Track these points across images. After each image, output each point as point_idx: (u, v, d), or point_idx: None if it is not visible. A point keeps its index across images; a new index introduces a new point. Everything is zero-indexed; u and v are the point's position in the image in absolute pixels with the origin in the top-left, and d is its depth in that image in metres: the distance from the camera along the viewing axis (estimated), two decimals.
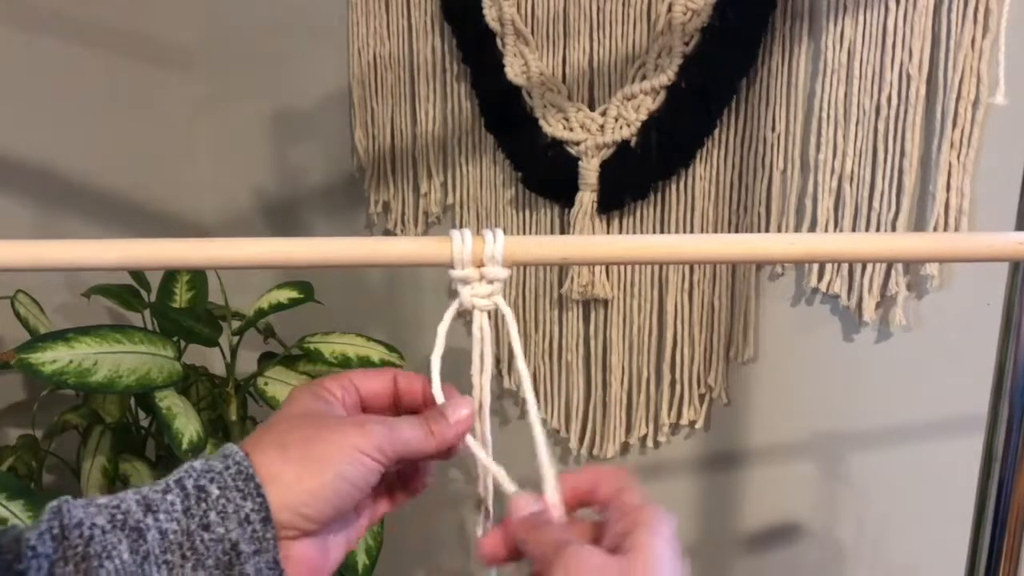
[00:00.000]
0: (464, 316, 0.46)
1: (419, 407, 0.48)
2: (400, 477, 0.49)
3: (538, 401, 1.10)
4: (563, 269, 1.05)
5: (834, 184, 0.89)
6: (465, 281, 0.45)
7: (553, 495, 0.44)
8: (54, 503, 0.38)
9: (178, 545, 0.37)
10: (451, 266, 0.45)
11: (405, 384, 0.48)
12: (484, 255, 0.45)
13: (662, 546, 0.39)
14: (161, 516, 0.38)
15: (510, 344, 1.09)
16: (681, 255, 0.49)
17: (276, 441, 0.41)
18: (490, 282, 0.45)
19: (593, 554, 0.39)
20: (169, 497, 0.38)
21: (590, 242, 0.47)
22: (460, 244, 0.44)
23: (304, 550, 0.41)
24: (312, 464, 0.41)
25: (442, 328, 0.47)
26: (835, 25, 0.85)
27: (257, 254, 0.44)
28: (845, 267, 0.91)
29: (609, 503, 0.43)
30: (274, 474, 0.40)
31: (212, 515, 0.38)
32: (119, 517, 0.37)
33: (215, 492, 0.39)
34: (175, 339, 0.90)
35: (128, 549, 0.36)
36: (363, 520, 0.47)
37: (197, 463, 0.40)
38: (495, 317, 0.46)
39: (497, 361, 1.12)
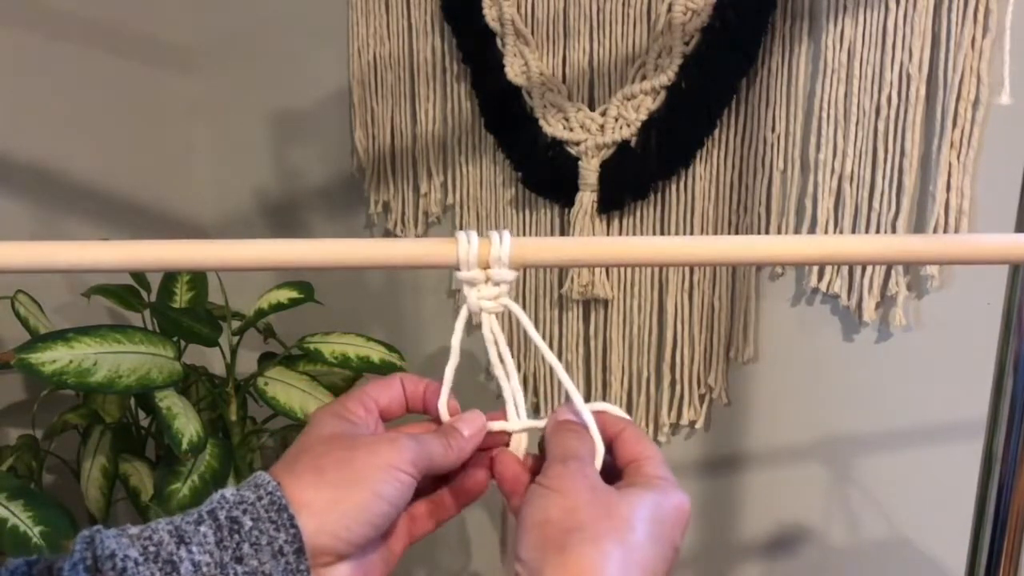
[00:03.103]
0: (468, 318, 0.46)
1: (422, 410, 0.48)
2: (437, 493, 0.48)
3: (537, 401, 1.10)
4: (563, 269, 1.04)
5: (834, 184, 0.89)
6: (471, 283, 0.44)
7: (593, 428, 0.46)
8: (86, 532, 0.37)
9: None
10: (457, 268, 0.44)
11: (411, 388, 0.48)
12: (491, 257, 0.44)
13: (655, 501, 0.43)
14: (194, 548, 0.37)
15: (524, 342, 1.09)
16: (691, 257, 0.48)
17: (311, 465, 0.41)
18: (496, 284, 0.44)
19: (591, 474, 0.43)
20: (202, 529, 0.38)
21: (598, 244, 0.47)
22: (466, 246, 0.43)
23: None
24: (349, 485, 0.41)
25: (455, 340, 0.46)
26: (835, 25, 0.85)
27: (258, 255, 0.44)
28: (845, 267, 0.91)
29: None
30: (309, 499, 0.40)
31: (245, 547, 0.38)
32: (151, 549, 0.37)
33: (248, 524, 0.38)
34: (175, 339, 0.90)
35: None
36: (399, 541, 0.47)
37: (228, 493, 0.40)
38: (502, 318, 0.46)
39: (501, 362, 1.11)
